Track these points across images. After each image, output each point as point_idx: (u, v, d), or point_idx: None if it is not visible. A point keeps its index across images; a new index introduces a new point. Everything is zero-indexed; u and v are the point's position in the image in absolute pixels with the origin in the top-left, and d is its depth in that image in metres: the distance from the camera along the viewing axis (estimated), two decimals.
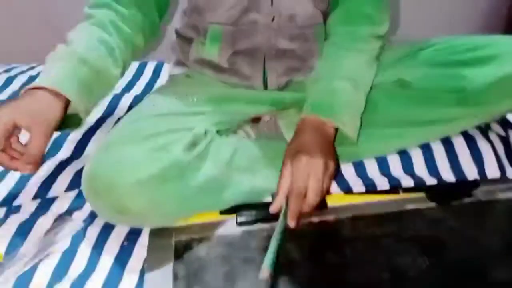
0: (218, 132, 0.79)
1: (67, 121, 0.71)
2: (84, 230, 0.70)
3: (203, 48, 0.83)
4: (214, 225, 0.71)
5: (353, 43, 0.79)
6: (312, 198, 0.66)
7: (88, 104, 0.72)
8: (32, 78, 1.13)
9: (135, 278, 0.63)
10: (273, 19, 0.78)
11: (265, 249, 0.65)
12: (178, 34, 0.89)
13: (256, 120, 0.88)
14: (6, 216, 0.71)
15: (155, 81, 1.16)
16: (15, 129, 0.66)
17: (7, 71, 1.16)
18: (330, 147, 0.72)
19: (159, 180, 0.64)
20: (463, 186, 0.78)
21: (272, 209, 0.68)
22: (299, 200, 0.66)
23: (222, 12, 0.79)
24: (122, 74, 0.79)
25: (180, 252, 0.66)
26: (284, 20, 0.79)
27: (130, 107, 1.02)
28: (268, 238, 0.67)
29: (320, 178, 0.67)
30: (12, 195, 0.77)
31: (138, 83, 1.14)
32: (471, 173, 0.80)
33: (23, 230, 0.69)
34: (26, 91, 0.69)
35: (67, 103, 0.69)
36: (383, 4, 0.81)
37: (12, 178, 0.80)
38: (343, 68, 0.77)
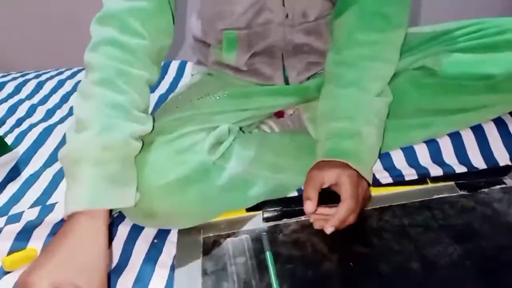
0: (241, 128, 0.79)
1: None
2: (115, 228, 0.72)
3: (220, 53, 0.82)
4: (241, 222, 0.71)
5: (372, 63, 0.73)
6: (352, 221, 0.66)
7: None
8: (60, 82, 1.17)
9: (165, 274, 0.64)
10: (286, 16, 0.77)
11: (292, 243, 0.66)
12: (195, 38, 0.89)
13: (280, 114, 0.88)
14: (41, 215, 0.73)
15: (179, 80, 1.18)
16: None
17: (36, 76, 1.20)
18: None
19: (185, 182, 0.65)
20: (493, 172, 0.76)
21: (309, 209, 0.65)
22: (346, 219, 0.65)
23: (234, 19, 0.78)
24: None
25: (209, 248, 0.67)
26: (297, 16, 0.78)
27: (155, 107, 1.04)
28: (294, 232, 0.69)
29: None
30: (46, 195, 0.79)
31: (162, 82, 1.16)
32: (503, 158, 0.78)
33: (58, 229, 0.72)
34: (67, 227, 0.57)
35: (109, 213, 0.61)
36: (403, 1, 0.75)
37: (45, 178, 0.83)
38: (368, 109, 0.71)
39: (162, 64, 1.20)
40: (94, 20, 0.69)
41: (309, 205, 0.65)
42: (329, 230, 0.65)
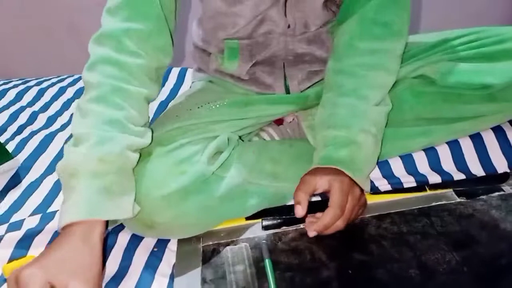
0: (241, 137, 0.80)
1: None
2: (115, 236, 0.72)
3: (221, 62, 0.83)
4: (241, 230, 0.72)
5: (372, 72, 0.73)
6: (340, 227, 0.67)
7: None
8: (61, 89, 1.18)
9: (165, 282, 0.64)
10: (288, 26, 0.77)
11: (291, 251, 0.67)
12: (195, 46, 0.90)
13: (279, 122, 0.88)
14: (41, 223, 0.74)
15: (179, 87, 1.18)
16: None
17: (38, 83, 1.21)
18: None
19: (184, 193, 0.65)
20: (492, 179, 0.77)
21: (298, 213, 0.67)
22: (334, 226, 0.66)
23: (236, 30, 0.78)
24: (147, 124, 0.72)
25: (208, 256, 0.67)
26: (299, 26, 0.78)
27: (156, 113, 1.05)
28: (293, 240, 0.69)
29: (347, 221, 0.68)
30: (47, 203, 0.79)
31: (163, 89, 1.17)
32: (501, 166, 0.78)
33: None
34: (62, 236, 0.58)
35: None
36: (404, 9, 0.75)
37: (46, 185, 0.83)
38: (365, 118, 0.71)
39: None
40: (92, 40, 0.69)
41: (299, 209, 0.66)
42: (311, 234, 0.67)
